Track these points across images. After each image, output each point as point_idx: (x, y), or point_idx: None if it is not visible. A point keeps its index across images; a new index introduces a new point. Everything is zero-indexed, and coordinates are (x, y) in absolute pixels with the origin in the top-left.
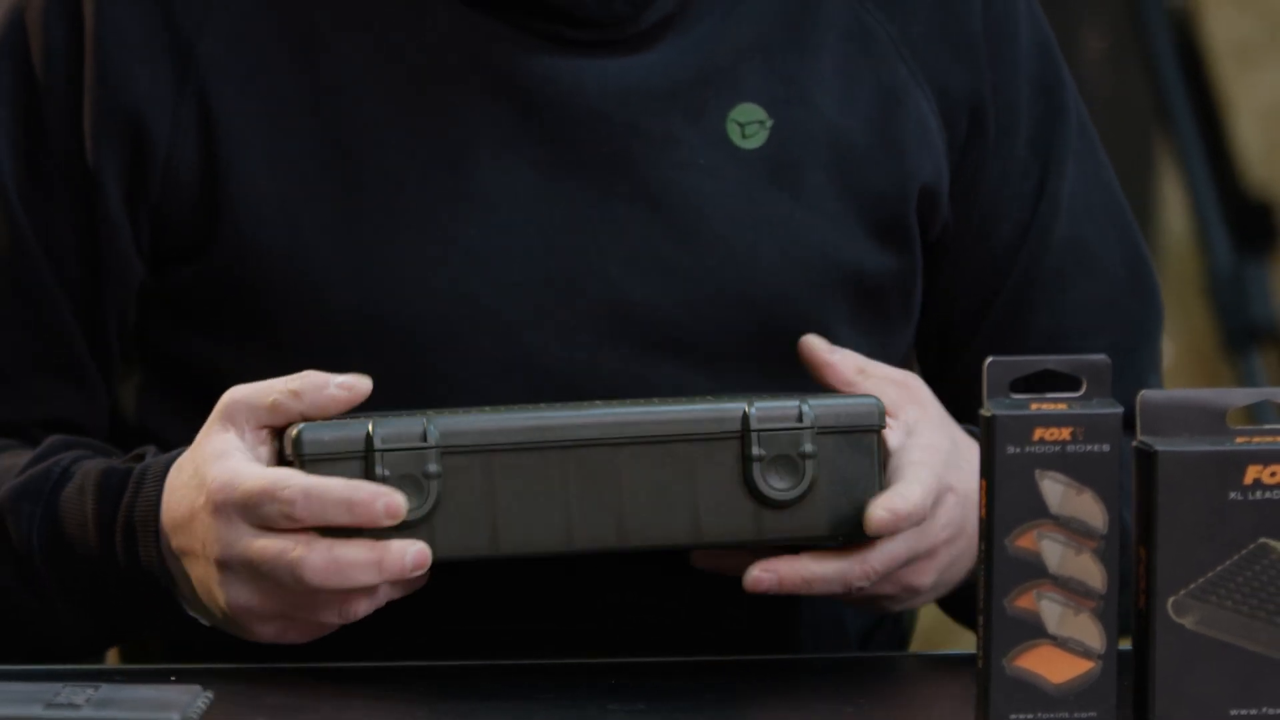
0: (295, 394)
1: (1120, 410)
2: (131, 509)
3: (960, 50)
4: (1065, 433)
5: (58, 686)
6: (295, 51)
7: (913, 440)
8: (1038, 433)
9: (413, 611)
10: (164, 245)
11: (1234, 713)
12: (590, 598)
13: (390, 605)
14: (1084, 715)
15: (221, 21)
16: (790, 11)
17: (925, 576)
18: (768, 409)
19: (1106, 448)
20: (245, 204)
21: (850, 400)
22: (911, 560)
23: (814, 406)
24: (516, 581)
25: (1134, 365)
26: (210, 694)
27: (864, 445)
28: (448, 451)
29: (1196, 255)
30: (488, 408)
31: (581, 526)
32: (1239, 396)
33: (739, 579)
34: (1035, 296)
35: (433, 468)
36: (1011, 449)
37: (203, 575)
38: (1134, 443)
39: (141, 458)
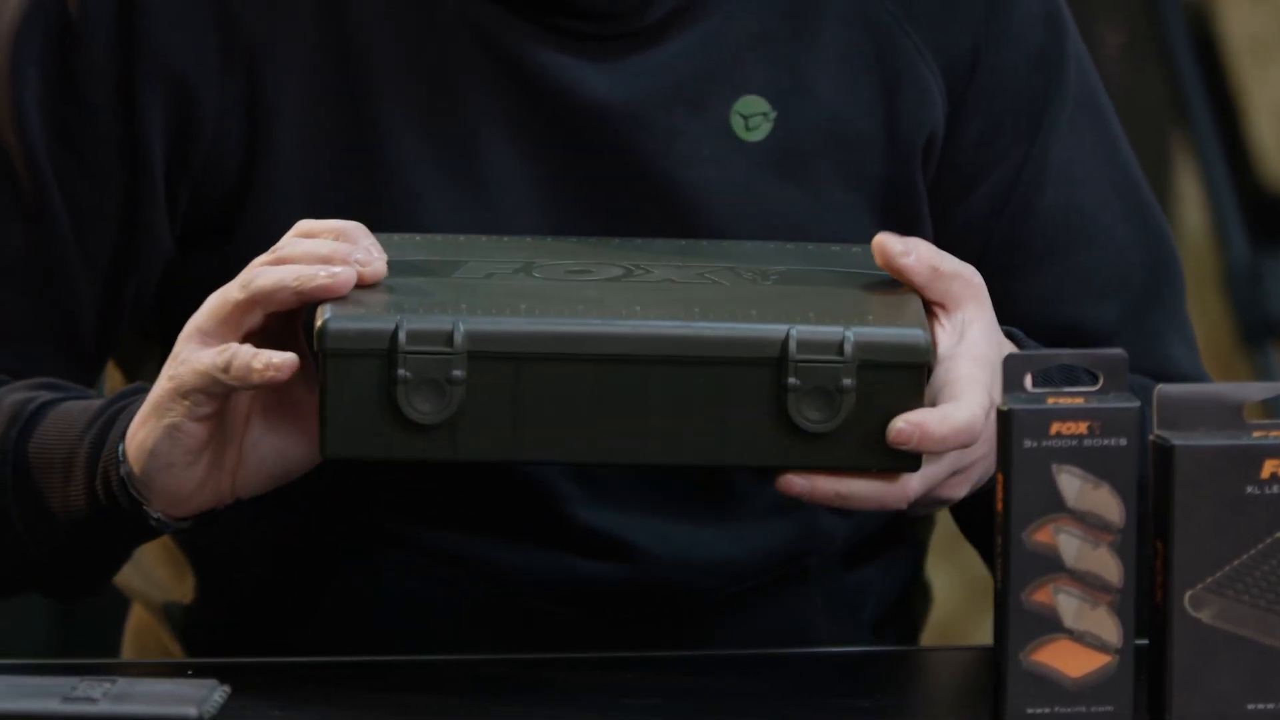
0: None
1: (1138, 404)
2: (121, 408)
3: (961, 17)
4: (1082, 427)
5: (74, 680)
6: (329, 32)
7: (963, 348)
8: (1055, 427)
9: (429, 606)
10: (194, 225)
11: (1251, 707)
12: (603, 587)
13: (410, 599)
14: (1101, 709)
15: (264, 2)
16: (794, 2)
17: (959, 490)
18: (809, 336)
19: (1124, 442)
20: (278, 185)
21: (897, 332)
22: (949, 477)
23: (857, 337)
24: (526, 570)
25: (1146, 331)
26: (227, 688)
27: (908, 381)
28: (474, 356)
29: (1213, 250)
30: (520, 301)
31: (605, 437)
32: (1256, 391)
33: (750, 573)
34: (1021, 263)
35: (457, 373)
36: (1028, 443)
37: (151, 394)
38: (1151, 437)
39: None
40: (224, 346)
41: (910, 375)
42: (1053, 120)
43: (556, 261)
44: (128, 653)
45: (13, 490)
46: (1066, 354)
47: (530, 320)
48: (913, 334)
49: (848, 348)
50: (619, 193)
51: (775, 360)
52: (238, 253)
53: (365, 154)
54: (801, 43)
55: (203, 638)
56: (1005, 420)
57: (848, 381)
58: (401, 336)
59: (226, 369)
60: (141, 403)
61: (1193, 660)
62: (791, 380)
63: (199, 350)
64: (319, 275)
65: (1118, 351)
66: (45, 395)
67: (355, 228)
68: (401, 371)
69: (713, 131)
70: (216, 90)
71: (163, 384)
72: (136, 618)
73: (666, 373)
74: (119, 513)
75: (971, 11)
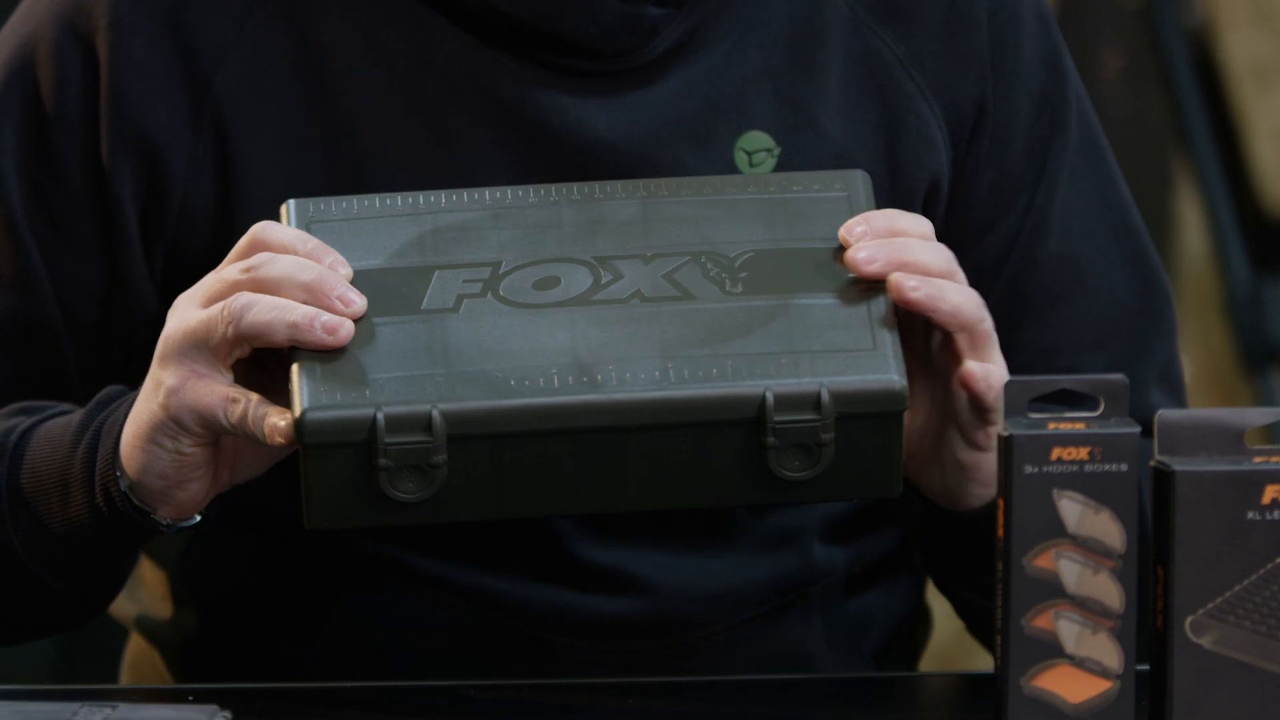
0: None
1: (1138, 429)
2: (104, 420)
3: (966, 61)
4: (1083, 452)
5: (75, 706)
6: (308, 84)
7: None
8: (1055, 452)
9: (431, 634)
10: (175, 281)
11: None
12: (607, 618)
13: (412, 627)
14: None
15: (238, 55)
16: (796, 37)
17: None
18: (785, 394)
19: (1124, 467)
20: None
21: (874, 379)
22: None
23: (833, 390)
24: (533, 604)
25: (1133, 379)
26: (228, 713)
27: (885, 428)
28: (454, 439)
29: (1214, 275)
30: (495, 364)
31: (586, 493)
32: (1257, 416)
33: (754, 602)
34: (1023, 313)
35: (438, 459)
36: (1029, 468)
37: (141, 403)
38: (1151, 462)
39: None
40: (233, 396)
41: (889, 420)
42: (1055, 166)
43: (522, 257)
44: (125, 682)
45: (11, 522)
46: (1067, 380)
47: (507, 399)
48: (888, 380)
49: (824, 402)
50: None
51: (753, 420)
52: None
53: None
54: (805, 78)
55: (201, 667)
56: (1006, 445)
57: (826, 436)
58: (380, 426)
59: (229, 419)
60: (123, 409)
61: (1193, 686)
62: (770, 440)
63: (195, 383)
64: (317, 332)
65: (1118, 377)
66: (24, 421)
67: (318, 246)
68: (383, 461)
69: (717, 168)
70: (186, 151)
71: (154, 409)
72: (134, 647)
73: (645, 437)
74: (124, 521)
75: (976, 57)
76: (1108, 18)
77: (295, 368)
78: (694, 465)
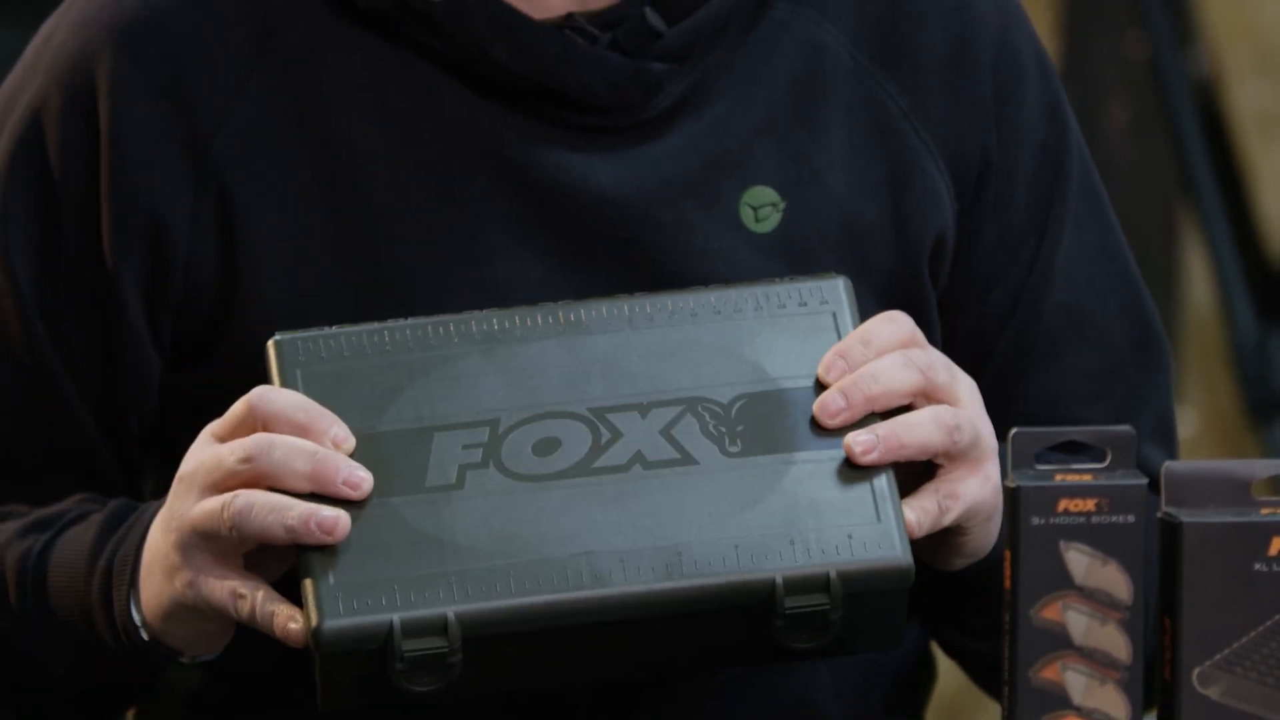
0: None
1: (1145, 481)
2: (114, 553)
3: (970, 114)
4: (1090, 504)
5: None
6: (311, 145)
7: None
8: (1063, 504)
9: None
10: (182, 345)
11: None
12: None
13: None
14: None
15: (239, 118)
16: (799, 90)
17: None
18: (794, 577)
19: (1131, 519)
20: (262, 302)
21: (881, 559)
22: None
23: (842, 573)
24: None
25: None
26: None
27: (890, 600)
28: (469, 640)
29: (1220, 325)
30: (507, 560)
31: (599, 669)
32: (1263, 468)
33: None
34: (1028, 364)
35: (454, 660)
36: (1036, 520)
37: (160, 578)
38: (1159, 514)
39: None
40: (240, 593)
41: (896, 595)
42: (1058, 217)
43: (518, 412)
44: None
45: (46, 642)
46: (1075, 431)
47: (520, 599)
48: (894, 559)
49: (833, 584)
50: (628, 289)
51: (763, 603)
52: (226, 367)
53: (359, 265)
54: (809, 132)
55: (211, 708)
56: (1013, 497)
57: (834, 615)
58: (397, 633)
59: (238, 614)
60: (132, 543)
61: None
62: (780, 623)
63: (206, 576)
64: (314, 533)
65: (1126, 429)
66: (37, 542)
67: (317, 415)
68: (399, 665)
69: (722, 224)
70: (188, 218)
71: (173, 593)
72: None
73: (657, 625)
74: (150, 655)
75: (980, 107)
76: (1114, 68)
77: (306, 577)
78: (702, 642)
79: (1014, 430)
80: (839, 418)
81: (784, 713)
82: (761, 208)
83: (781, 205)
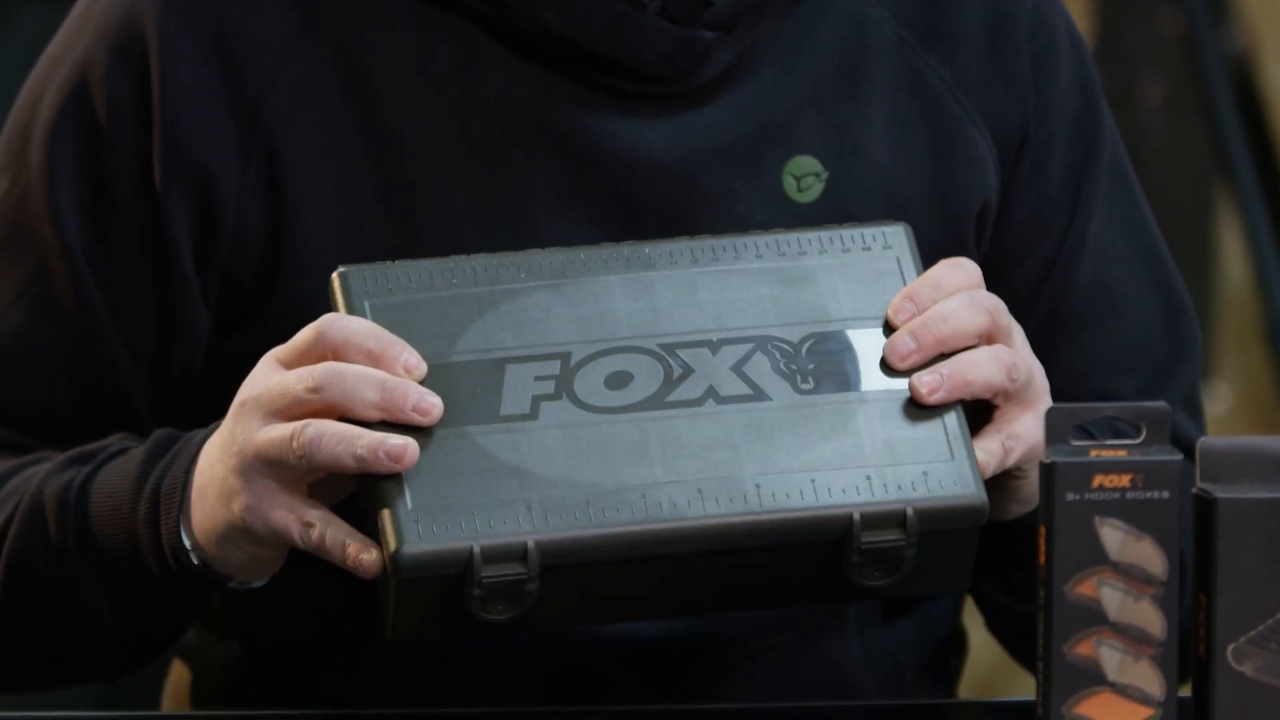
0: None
1: (1180, 457)
2: (161, 477)
3: (1010, 84)
4: (1125, 479)
5: None
6: (357, 110)
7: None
8: (1097, 479)
9: (471, 660)
10: (227, 309)
11: None
12: (644, 641)
13: (453, 653)
14: None
15: (287, 81)
16: (843, 62)
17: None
18: (872, 513)
19: (1166, 494)
20: (306, 267)
21: (956, 496)
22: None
23: (919, 510)
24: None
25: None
26: None
27: (963, 538)
28: (547, 569)
29: (1256, 302)
30: (584, 492)
31: (668, 604)
32: None
33: (788, 622)
34: (1059, 337)
35: (531, 587)
36: (1071, 495)
37: (214, 502)
38: (1194, 489)
39: None
40: (308, 520)
41: (969, 534)
42: (1090, 191)
43: (588, 345)
44: (168, 709)
45: (85, 574)
46: (1109, 407)
47: (598, 529)
48: (969, 496)
49: (910, 520)
50: None
51: (839, 539)
52: (269, 333)
53: (404, 230)
54: (852, 104)
55: (244, 696)
56: (1047, 473)
57: (909, 552)
58: (477, 559)
59: (306, 543)
60: (180, 468)
61: (1235, 714)
62: (855, 557)
63: (270, 502)
64: (384, 461)
65: (1161, 405)
66: (79, 473)
67: (388, 342)
68: (477, 591)
69: (765, 193)
70: (236, 178)
71: (229, 516)
72: (177, 675)
73: (731, 558)
74: (197, 580)
75: (1020, 82)
76: (1148, 47)
77: (383, 505)
78: (776, 576)
79: (1048, 406)
80: (910, 359)
81: (815, 684)
82: (804, 177)
83: (824, 175)
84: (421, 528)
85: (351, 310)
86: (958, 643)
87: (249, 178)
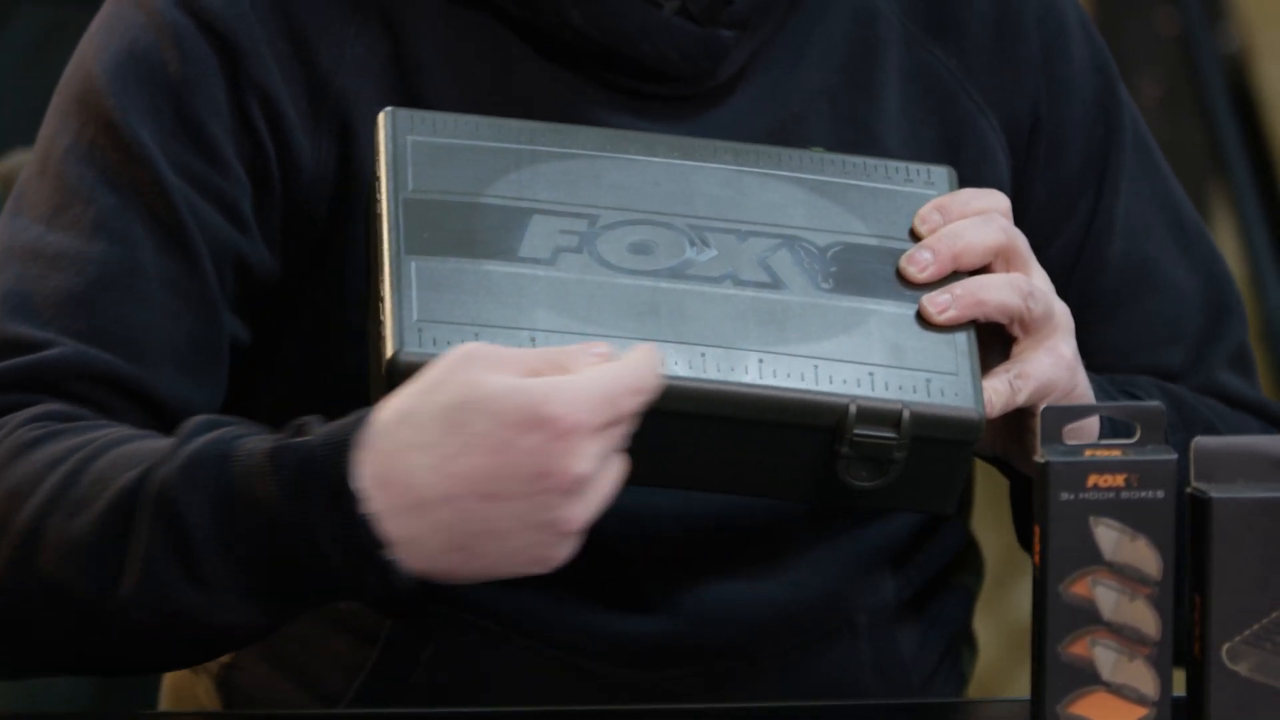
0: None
1: (1175, 456)
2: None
3: (1019, 72)
4: (1120, 479)
5: None
6: (402, 95)
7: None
8: (1092, 479)
9: (473, 660)
10: (288, 279)
11: None
12: (653, 643)
13: (454, 653)
14: None
15: (353, 57)
16: (853, 56)
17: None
18: (869, 408)
19: (1161, 494)
20: (353, 251)
21: (954, 406)
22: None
23: (915, 413)
24: (573, 629)
25: (1207, 367)
26: None
27: (955, 453)
28: None
29: (1251, 300)
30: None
31: (652, 470)
32: None
33: (802, 626)
34: (1095, 316)
35: None
36: (1066, 495)
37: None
38: (1189, 489)
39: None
40: None
41: (960, 447)
42: (1114, 171)
43: (618, 211)
44: (165, 707)
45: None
46: (1103, 406)
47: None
48: (967, 409)
49: (904, 421)
50: None
51: (832, 428)
52: (302, 319)
53: None
54: (863, 96)
55: (243, 694)
56: (1042, 473)
57: (899, 454)
58: None
59: None
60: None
61: (1230, 713)
62: (845, 449)
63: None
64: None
65: (1155, 404)
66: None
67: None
68: None
69: None
70: (309, 143)
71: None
72: (175, 673)
73: (721, 427)
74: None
75: (1029, 68)
76: (1144, 46)
77: (384, 316)
78: (764, 458)
79: (1043, 406)
80: (926, 271)
81: (823, 692)
82: None
83: None
84: (422, 336)
85: (395, 145)
86: (970, 646)
87: (320, 150)
